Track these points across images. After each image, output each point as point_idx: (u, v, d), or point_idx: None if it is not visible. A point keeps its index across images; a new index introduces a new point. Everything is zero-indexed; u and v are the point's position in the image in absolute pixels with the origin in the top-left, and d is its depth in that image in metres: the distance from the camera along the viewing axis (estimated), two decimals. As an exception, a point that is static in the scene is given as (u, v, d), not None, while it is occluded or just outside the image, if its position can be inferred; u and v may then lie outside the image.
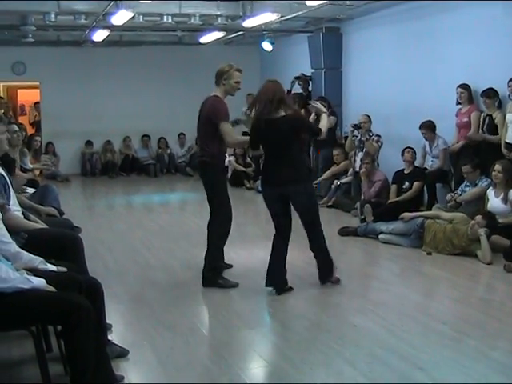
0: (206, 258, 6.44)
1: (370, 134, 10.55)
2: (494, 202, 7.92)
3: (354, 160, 10.77)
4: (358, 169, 10.51)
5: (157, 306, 5.82)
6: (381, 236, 8.32)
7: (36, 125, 17.87)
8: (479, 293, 6.66)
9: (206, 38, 14.12)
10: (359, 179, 10.37)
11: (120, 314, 5.61)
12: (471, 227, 7.36)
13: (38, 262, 4.13)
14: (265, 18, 11.27)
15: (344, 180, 11.12)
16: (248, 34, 13.90)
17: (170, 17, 11.37)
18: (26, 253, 4.11)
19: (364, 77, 12.35)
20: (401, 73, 11.17)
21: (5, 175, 5.16)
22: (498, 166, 7.85)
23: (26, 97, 19.73)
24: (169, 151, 16.71)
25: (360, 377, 4.27)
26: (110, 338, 4.66)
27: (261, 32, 13.36)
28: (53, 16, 10.89)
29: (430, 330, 5.17)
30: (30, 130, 17.05)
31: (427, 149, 9.78)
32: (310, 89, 13.42)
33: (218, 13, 11.46)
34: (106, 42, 14.32)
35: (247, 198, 12.44)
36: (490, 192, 8.04)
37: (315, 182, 11.38)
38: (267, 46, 13.81)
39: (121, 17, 10.72)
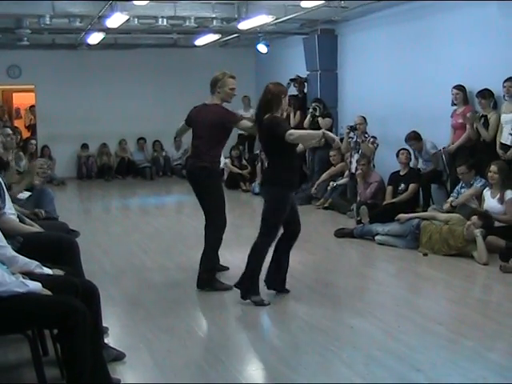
0: (202, 261, 6.43)
1: (366, 135, 10.56)
2: (491, 202, 7.93)
3: (350, 161, 10.78)
4: (353, 170, 10.52)
5: (153, 309, 5.81)
6: (377, 237, 8.32)
7: (31, 128, 17.87)
8: (475, 293, 6.67)
9: (202, 41, 14.13)
10: (355, 181, 10.37)
11: (116, 317, 5.59)
12: (467, 228, 7.37)
13: (33, 265, 4.11)
14: (260, 20, 11.28)
15: (340, 181, 11.13)
16: (243, 37, 13.91)
17: (165, 19, 11.37)
18: (21, 257, 4.10)
19: (359, 78, 12.36)
20: (396, 74, 11.18)
21: (0, 180, 5.15)
22: (493, 167, 7.86)
23: (22, 100, 19.71)
24: (164, 154, 16.70)
25: (357, 378, 4.26)
26: (106, 341, 4.65)
27: (256, 34, 13.37)
28: (48, 19, 10.87)
29: (427, 331, 5.17)
30: (26, 134, 17.06)
31: (417, 154, 9.83)
32: (305, 91, 13.43)
33: (213, 15, 11.47)
34: (101, 45, 14.31)
35: (243, 200, 12.44)
36: (486, 192, 8.05)
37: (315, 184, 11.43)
38: (262, 48, 13.81)
39: (116, 20, 10.72)
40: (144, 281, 6.77)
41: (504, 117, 8.33)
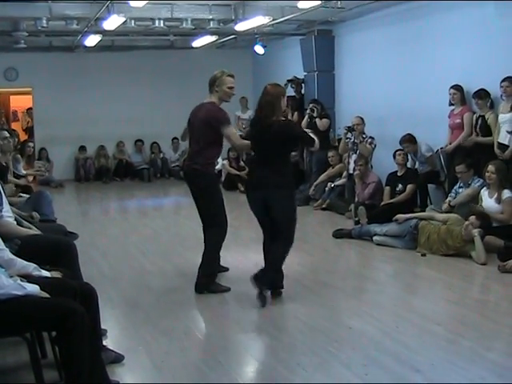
0: (201, 265, 6.38)
1: (364, 136, 10.56)
2: (488, 202, 7.93)
3: (348, 162, 10.78)
4: (351, 171, 10.51)
5: (152, 311, 5.80)
6: (375, 238, 8.32)
7: (29, 131, 17.83)
8: (474, 293, 6.67)
9: (199, 42, 14.13)
10: (353, 181, 10.37)
11: (115, 320, 5.59)
12: (465, 228, 7.37)
13: (31, 268, 4.11)
14: (257, 21, 11.28)
15: (338, 182, 11.12)
16: (240, 38, 13.92)
17: (161, 21, 11.38)
18: (19, 259, 4.10)
19: (357, 79, 12.37)
20: (393, 74, 11.19)
21: (-3, 183, 5.16)
22: (491, 167, 7.86)
23: (19, 103, 19.68)
24: (162, 156, 16.69)
25: (356, 379, 4.26)
26: (104, 343, 4.65)
27: (253, 35, 13.37)
28: (44, 21, 10.87)
29: (426, 332, 5.17)
30: (23, 136, 17.00)
31: (413, 157, 9.83)
32: (302, 92, 13.44)
33: (210, 17, 11.47)
34: (98, 47, 14.31)
35: (241, 202, 12.36)
36: (484, 192, 8.05)
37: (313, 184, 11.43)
38: (259, 49, 13.81)
39: (113, 22, 10.71)
40: (142, 283, 6.77)
41: (501, 117, 8.33)
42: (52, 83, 15.80)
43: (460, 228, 7.47)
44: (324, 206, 11.00)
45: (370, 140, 10.48)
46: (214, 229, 6.36)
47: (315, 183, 11.50)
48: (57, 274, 4.27)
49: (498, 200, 7.83)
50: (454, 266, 7.22)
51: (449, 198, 8.60)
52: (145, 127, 16.32)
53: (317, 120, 11.73)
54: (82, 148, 16.35)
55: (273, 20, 11.41)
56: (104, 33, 12.27)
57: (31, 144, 12.68)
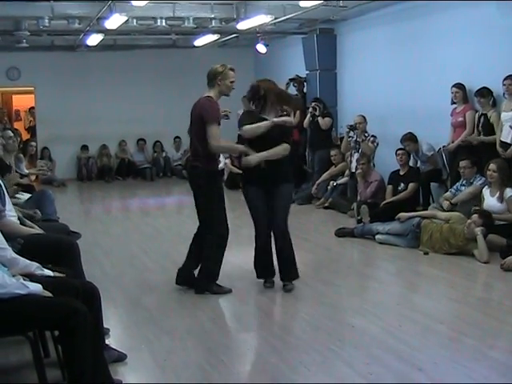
0: (201, 268, 6.30)
1: (366, 134, 10.55)
2: (490, 201, 7.92)
3: (350, 161, 10.76)
4: (354, 169, 10.50)
5: (154, 310, 5.81)
6: (377, 236, 8.32)
7: (31, 130, 17.87)
8: (477, 292, 6.66)
9: (200, 41, 14.13)
10: (355, 180, 10.36)
11: (117, 319, 5.59)
12: (467, 226, 7.36)
13: (34, 267, 4.12)
14: (258, 20, 11.28)
15: (340, 181, 11.12)
16: (242, 37, 13.91)
17: (163, 20, 11.38)
18: (22, 258, 4.10)
19: (359, 77, 12.36)
20: (395, 73, 11.18)
21: (0, 182, 5.16)
22: (492, 166, 7.85)
23: (21, 102, 19.72)
24: (164, 154, 16.69)
25: (358, 378, 4.26)
26: (107, 342, 4.65)
27: (255, 34, 13.36)
28: (46, 21, 10.88)
29: (428, 330, 5.16)
30: (26, 136, 17.06)
31: (414, 156, 9.82)
32: (304, 90, 13.43)
33: (212, 16, 11.48)
34: (100, 46, 14.31)
35: (243, 200, 12.41)
36: (486, 191, 8.04)
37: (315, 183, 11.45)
38: (261, 48, 13.80)
39: (114, 21, 10.71)
40: (145, 282, 6.77)
41: (504, 115, 8.32)
42: (54, 82, 15.81)
43: (462, 226, 7.47)
44: (326, 204, 11.00)
45: (372, 138, 10.47)
46: (211, 236, 6.22)
47: (317, 182, 11.49)
48: (60, 274, 4.27)
49: (500, 199, 7.81)
50: (457, 265, 7.22)
51: (448, 194, 8.58)
52: (147, 126, 16.32)
53: (319, 119, 11.73)
54: (85, 147, 16.37)
55: (275, 19, 11.41)
56: (106, 32, 12.27)
57: (33, 143, 12.74)
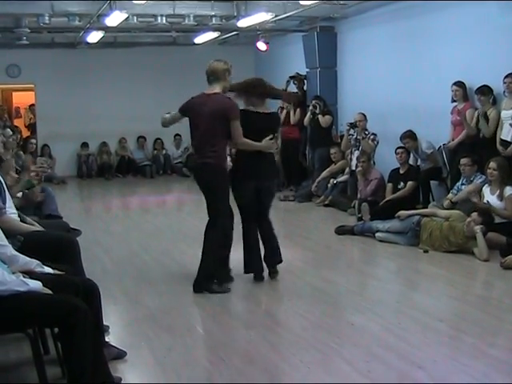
0: (201, 266, 6.27)
1: (366, 132, 10.55)
2: (490, 199, 7.92)
3: (351, 159, 10.76)
4: (354, 167, 10.50)
5: (154, 308, 5.81)
6: (377, 234, 8.32)
7: (31, 127, 17.86)
8: (476, 290, 6.67)
9: (201, 39, 14.12)
10: (355, 178, 10.36)
11: (117, 316, 5.60)
12: (467, 225, 7.36)
13: (34, 264, 4.11)
14: (259, 17, 11.27)
15: (340, 179, 11.12)
16: (242, 34, 13.90)
17: (164, 18, 11.37)
18: (22, 256, 4.10)
19: (359, 75, 12.35)
20: (396, 71, 11.17)
21: (0, 178, 5.16)
22: (492, 164, 7.85)
23: (21, 99, 19.71)
24: (164, 152, 16.68)
25: (358, 375, 4.26)
26: (107, 339, 4.65)
27: (255, 32, 13.36)
28: (47, 18, 10.87)
29: (428, 328, 5.16)
30: (26, 133, 17.06)
31: (414, 154, 9.81)
32: (305, 88, 13.42)
33: (212, 13, 11.47)
34: (100, 44, 14.31)
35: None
36: (486, 189, 8.04)
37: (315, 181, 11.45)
38: (262, 45, 13.80)
39: (115, 18, 10.71)
40: (145, 279, 6.77)
41: (504, 113, 8.31)
42: (54, 80, 15.80)
43: (462, 224, 7.47)
44: (326, 202, 10.99)
45: (372, 136, 10.47)
46: (215, 229, 6.23)
47: (317, 180, 11.49)
48: (59, 273, 4.27)
49: (500, 197, 7.82)
50: (457, 263, 7.22)
51: (450, 195, 8.60)
52: (147, 123, 16.24)
53: (319, 117, 11.74)
54: (85, 144, 16.36)
55: (275, 16, 11.41)
56: (106, 29, 12.26)
57: (34, 140, 12.72)
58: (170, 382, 4.25)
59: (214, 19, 11.78)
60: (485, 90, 8.66)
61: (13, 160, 7.53)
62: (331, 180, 11.18)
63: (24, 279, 3.74)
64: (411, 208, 8.54)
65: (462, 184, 8.53)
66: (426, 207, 8.89)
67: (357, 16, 12.06)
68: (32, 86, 16.38)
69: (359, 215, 9.33)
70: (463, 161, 8.45)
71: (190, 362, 4.59)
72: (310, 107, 11.95)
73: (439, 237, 7.66)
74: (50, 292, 3.77)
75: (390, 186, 9.62)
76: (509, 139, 8.20)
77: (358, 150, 10.51)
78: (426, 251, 7.68)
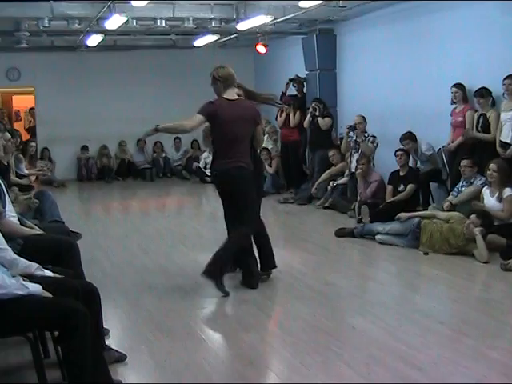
0: (217, 253, 6.24)
1: (366, 134, 10.56)
2: (490, 201, 7.92)
3: (350, 161, 10.77)
4: (353, 170, 10.51)
5: (154, 311, 5.81)
6: (377, 237, 8.32)
7: (31, 131, 17.87)
8: (477, 292, 6.67)
9: (200, 42, 14.13)
10: (355, 180, 10.36)
11: (117, 319, 5.60)
12: (467, 227, 7.36)
13: (34, 268, 4.11)
14: (258, 20, 11.27)
15: (340, 181, 11.11)
16: (242, 37, 13.90)
17: (163, 21, 11.37)
18: (22, 259, 4.10)
19: (359, 78, 12.36)
20: (395, 73, 11.18)
21: (0, 182, 5.16)
22: (492, 166, 7.85)
23: (21, 103, 19.74)
24: (164, 155, 16.68)
25: (358, 378, 4.26)
26: (107, 342, 4.66)
27: (255, 35, 13.36)
28: (46, 21, 10.87)
29: (428, 331, 5.16)
30: (25, 136, 17.07)
31: (414, 156, 9.81)
32: (304, 90, 13.43)
33: (212, 16, 11.47)
34: (100, 47, 14.30)
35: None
36: (486, 191, 8.04)
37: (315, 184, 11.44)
38: (261, 48, 13.80)
39: (114, 21, 10.72)
40: (145, 282, 6.77)
41: (504, 115, 8.31)
42: (54, 83, 15.81)
43: (462, 226, 7.46)
44: (326, 204, 10.99)
45: (371, 139, 10.48)
46: (242, 226, 6.32)
47: (317, 182, 11.49)
48: (58, 277, 4.27)
49: (500, 199, 7.82)
50: (457, 265, 7.22)
51: (450, 197, 8.59)
52: (147, 126, 16.01)
53: (319, 119, 11.73)
54: (84, 148, 16.36)
55: (274, 19, 11.40)
56: (106, 32, 12.27)
57: (33, 144, 12.74)
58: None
59: (213, 22, 11.78)
60: (483, 92, 8.66)
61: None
62: (331, 182, 11.18)
63: (24, 283, 3.74)
64: (411, 210, 8.54)
65: (462, 186, 8.53)
66: (426, 209, 8.88)
67: (356, 18, 12.07)
68: (32, 89, 16.39)
69: (359, 217, 9.33)
70: (464, 162, 8.46)
71: (190, 364, 4.59)
72: (310, 109, 11.95)
73: (439, 239, 7.65)
74: (50, 295, 3.77)
75: (389, 188, 9.62)
76: (508, 141, 8.20)
77: (358, 152, 10.51)
78: (426, 253, 7.67)
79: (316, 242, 8.78)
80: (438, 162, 9.61)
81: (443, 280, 6.85)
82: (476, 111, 8.96)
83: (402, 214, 8.17)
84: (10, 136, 8.48)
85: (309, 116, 11.99)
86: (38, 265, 4.15)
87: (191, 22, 11.57)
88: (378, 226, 8.41)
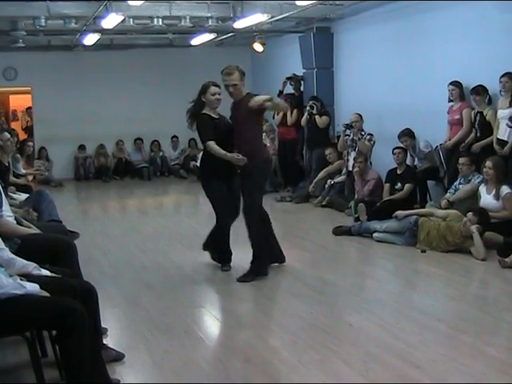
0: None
1: (362, 133, 10.55)
2: (487, 198, 7.93)
3: (347, 159, 10.78)
4: (351, 168, 10.51)
5: (152, 309, 5.81)
6: (375, 235, 8.32)
7: (28, 130, 17.83)
8: (474, 289, 6.67)
9: (197, 40, 14.12)
10: (352, 178, 10.37)
11: (115, 318, 5.59)
12: (463, 225, 7.37)
13: (31, 267, 4.11)
14: (255, 19, 11.26)
15: (337, 179, 11.12)
16: (239, 36, 13.90)
17: (160, 19, 11.35)
18: (19, 259, 4.09)
19: (355, 76, 12.36)
20: (392, 71, 11.18)
21: (-3, 181, 5.16)
22: (488, 163, 7.85)
23: (18, 102, 19.70)
24: (161, 154, 16.67)
25: (356, 376, 4.27)
26: (105, 341, 4.65)
27: (251, 33, 13.36)
28: (43, 21, 10.85)
29: (426, 328, 5.17)
30: (23, 136, 17.02)
31: (412, 153, 9.81)
32: (301, 89, 13.43)
33: (209, 14, 11.46)
34: (96, 46, 14.28)
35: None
36: (482, 189, 8.05)
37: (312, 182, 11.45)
38: (258, 47, 13.80)
39: (111, 20, 10.70)
40: (143, 281, 6.77)
41: (500, 112, 8.32)
42: (51, 82, 15.78)
43: (460, 224, 7.47)
44: (324, 203, 10.99)
45: (368, 137, 10.47)
46: (252, 218, 6.79)
47: (315, 180, 11.48)
48: (55, 276, 4.27)
49: (497, 196, 7.82)
50: (454, 262, 7.23)
51: (448, 194, 8.60)
52: (144, 125, 16.30)
53: (316, 117, 11.73)
54: (82, 147, 16.34)
55: (271, 17, 11.40)
56: (102, 31, 12.25)
57: (31, 143, 12.68)
58: (168, 383, 4.25)
59: (210, 21, 11.77)
60: (480, 90, 8.66)
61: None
62: (328, 181, 11.18)
63: (21, 282, 3.74)
64: (409, 208, 8.55)
65: (460, 184, 8.54)
66: (424, 207, 8.89)
67: (353, 16, 12.07)
68: (29, 88, 16.36)
69: (356, 216, 9.33)
70: (461, 160, 8.46)
71: (187, 363, 4.59)
72: (307, 108, 11.94)
73: (437, 236, 7.66)
74: (47, 295, 3.76)
75: (387, 186, 9.62)
76: (505, 138, 8.20)
77: (355, 150, 10.51)
78: (423, 251, 7.68)
79: (313, 240, 8.79)
80: (436, 160, 9.61)
81: (440, 277, 6.86)
82: (473, 109, 8.96)
83: (400, 212, 8.18)
84: (8, 136, 8.46)
85: (306, 114, 11.99)
86: (35, 264, 4.15)
87: (188, 20, 11.56)
88: (376, 224, 8.42)
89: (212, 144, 6.61)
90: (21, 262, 4.08)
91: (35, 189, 9.46)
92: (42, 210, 7.32)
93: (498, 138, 8.31)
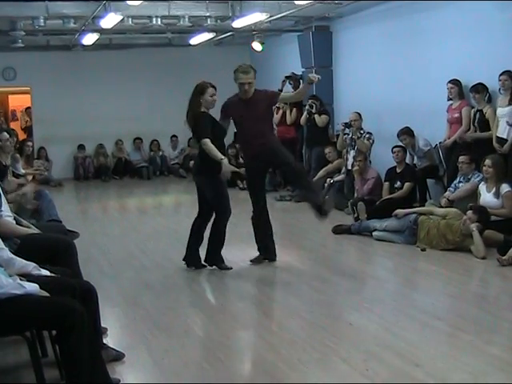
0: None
1: (362, 131, 10.55)
2: (487, 196, 7.92)
3: (347, 158, 10.77)
4: (350, 167, 10.51)
5: (152, 309, 5.81)
6: (375, 233, 8.33)
7: (27, 130, 17.83)
8: (474, 288, 6.67)
9: (196, 40, 14.12)
10: (352, 177, 10.37)
11: (115, 318, 5.59)
12: (463, 223, 7.37)
13: (31, 267, 4.11)
14: (254, 18, 11.27)
15: (337, 178, 11.11)
16: (238, 35, 13.91)
17: (159, 19, 11.37)
18: (19, 259, 4.09)
19: (355, 74, 12.36)
20: (391, 70, 11.18)
21: (-4, 181, 5.16)
22: (488, 161, 7.85)
23: (17, 102, 19.68)
24: (161, 153, 16.67)
25: (356, 374, 4.26)
26: (105, 341, 4.65)
27: (250, 32, 13.36)
28: (42, 21, 10.87)
29: (426, 326, 5.17)
30: (22, 136, 17.02)
31: (411, 151, 9.81)
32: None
33: (207, 14, 11.47)
34: (95, 46, 14.29)
35: (241, 199, 12.41)
36: (482, 187, 8.04)
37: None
38: (257, 46, 13.80)
39: (110, 20, 10.71)
40: (142, 281, 6.77)
41: (500, 110, 8.32)
42: (50, 82, 15.79)
43: (459, 222, 7.47)
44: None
45: (367, 136, 10.46)
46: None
47: (314, 179, 11.47)
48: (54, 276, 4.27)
49: (497, 194, 7.82)
50: (454, 261, 7.23)
51: (447, 193, 8.60)
52: (143, 125, 16.30)
53: (316, 116, 11.73)
54: (81, 147, 16.35)
55: (270, 17, 11.41)
56: (101, 31, 12.25)
57: (30, 143, 12.69)
58: (168, 383, 4.25)
59: (209, 20, 11.78)
60: (479, 88, 8.66)
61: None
62: (328, 179, 11.17)
63: (21, 282, 3.74)
64: (408, 206, 8.55)
65: (460, 182, 8.53)
66: (423, 205, 8.89)
67: (352, 15, 12.07)
68: (28, 88, 16.36)
69: (356, 214, 9.33)
70: (461, 158, 8.45)
71: (187, 362, 4.59)
72: (307, 107, 11.93)
73: (436, 235, 7.66)
74: (47, 294, 3.76)
75: (386, 184, 9.61)
76: (505, 136, 8.20)
77: (354, 149, 10.51)
78: (423, 249, 7.68)
79: (313, 238, 8.79)
80: (435, 158, 9.61)
81: (440, 276, 6.86)
82: (472, 107, 8.96)
83: (399, 211, 8.18)
84: (8, 136, 8.45)
85: (305, 113, 11.98)
86: (34, 264, 4.15)
87: (187, 20, 11.57)
88: (375, 223, 8.42)
89: (208, 142, 6.61)
90: (20, 262, 4.08)
91: (35, 189, 9.44)
92: (42, 210, 7.32)
93: (497, 136, 8.31)
